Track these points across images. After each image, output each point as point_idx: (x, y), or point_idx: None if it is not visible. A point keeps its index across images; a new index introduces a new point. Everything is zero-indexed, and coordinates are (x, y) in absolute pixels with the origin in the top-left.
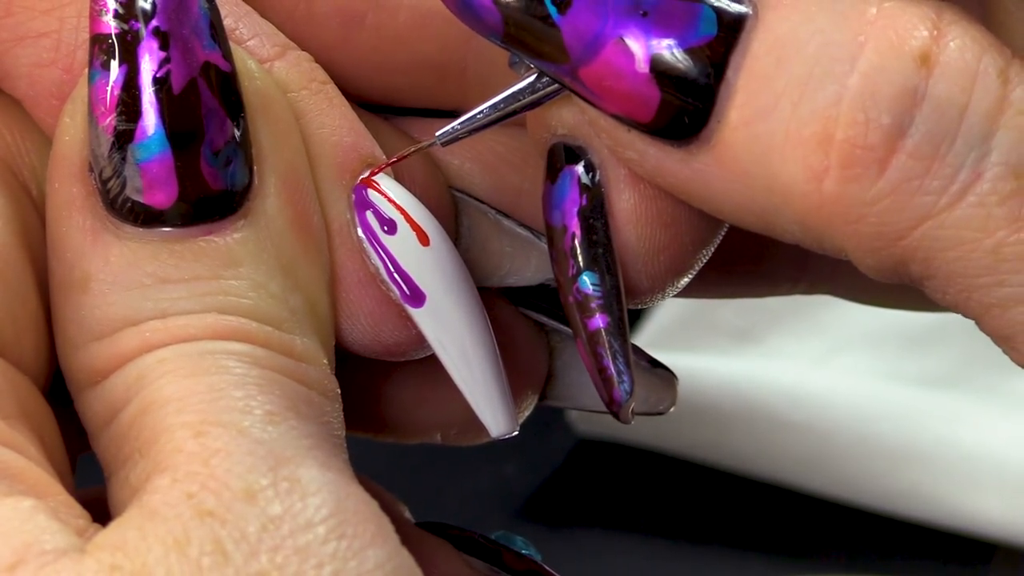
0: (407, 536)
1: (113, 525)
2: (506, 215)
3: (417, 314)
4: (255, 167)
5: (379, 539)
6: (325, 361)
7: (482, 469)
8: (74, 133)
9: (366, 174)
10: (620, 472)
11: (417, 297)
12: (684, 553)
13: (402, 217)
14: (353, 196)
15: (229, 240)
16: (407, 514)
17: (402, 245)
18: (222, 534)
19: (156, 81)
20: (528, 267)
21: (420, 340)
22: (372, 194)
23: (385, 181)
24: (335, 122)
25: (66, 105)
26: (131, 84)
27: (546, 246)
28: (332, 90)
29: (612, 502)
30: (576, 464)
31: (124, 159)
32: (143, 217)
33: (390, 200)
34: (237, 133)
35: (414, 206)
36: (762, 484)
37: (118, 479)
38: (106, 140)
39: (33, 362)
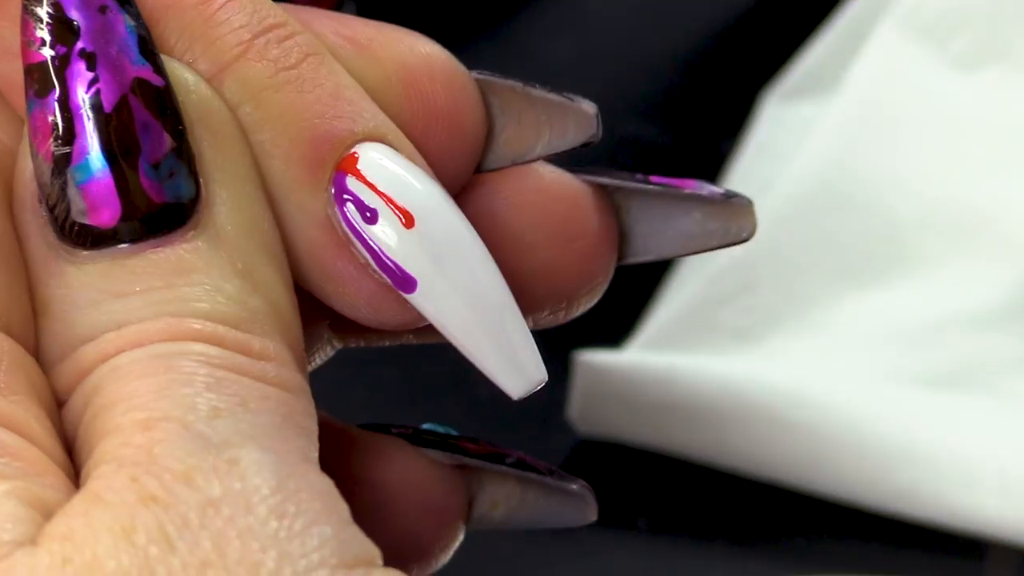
0: (354, 440)
1: (60, 513)
2: (534, 85)
3: (412, 299)
4: (200, 178)
5: (323, 516)
6: (288, 357)
7: None
8: (24, 165)
9: (357, 148)
10: (620, 472)
11: (408, 283)
12: (684, 553)
13: (383, 202)
14: (332, 188)
15: (180, 250)
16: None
17: (385, 233)
18: (164, 519)
19: (87, 102)
20: (567, 130)
21: (422, 316)
22: (351, 182)
23: (369, 161)
24: (304, 112)
25: (22, 140)
26: (63, 108)
27: (582, 106)
28: (307, 70)
29: (612, 502)
30: (576, 464)
31: (65, 183)
32: (92, 239)
33: (369, 185)
34: (177, 146)
35: (399, 182)
36: (762, 484)
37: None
38: (47, 167)
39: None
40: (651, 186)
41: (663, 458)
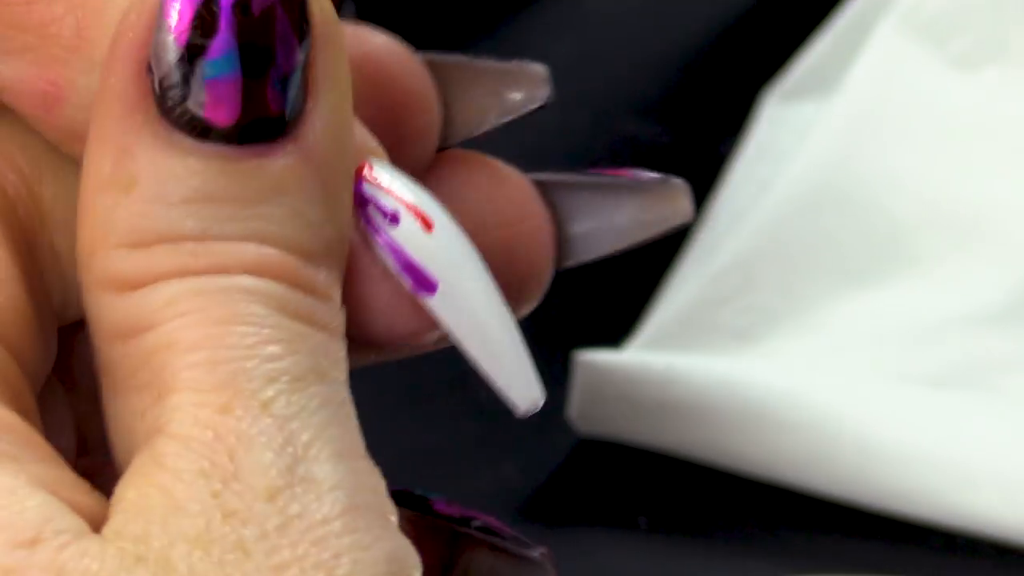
0: None
1: (132, 511)
2: (479, 56)
3: (431, 302)
4: (309, 96)
5: (387, 531)
6: (337, 294)
7: (482, 469)
8: (138, 31)
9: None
10: (620, 472)
11: (429, 285)
12: (684, 552)
13: (403, 206)
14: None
15: (278, 164)
16: None
17: (407, 235)
18: (244, 533)
19: (237, 2)
20: (517, 97)
21: (433, 325)
22: (369, 188)
23: (380, 170)
24: None
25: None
26: (211, 1)
27: (530, 69)
28: None
29: (612, 502)
30: (576, 464)
31: (192, 72)
32: (199, 131)
33: (387, 191)
34: (302, 61)
35: (413, 191)
36: (762, 484)
37: (127, 403)
38: (176, 50)
39: (26, 350)
40: (580, 177)
41: (663, 458)
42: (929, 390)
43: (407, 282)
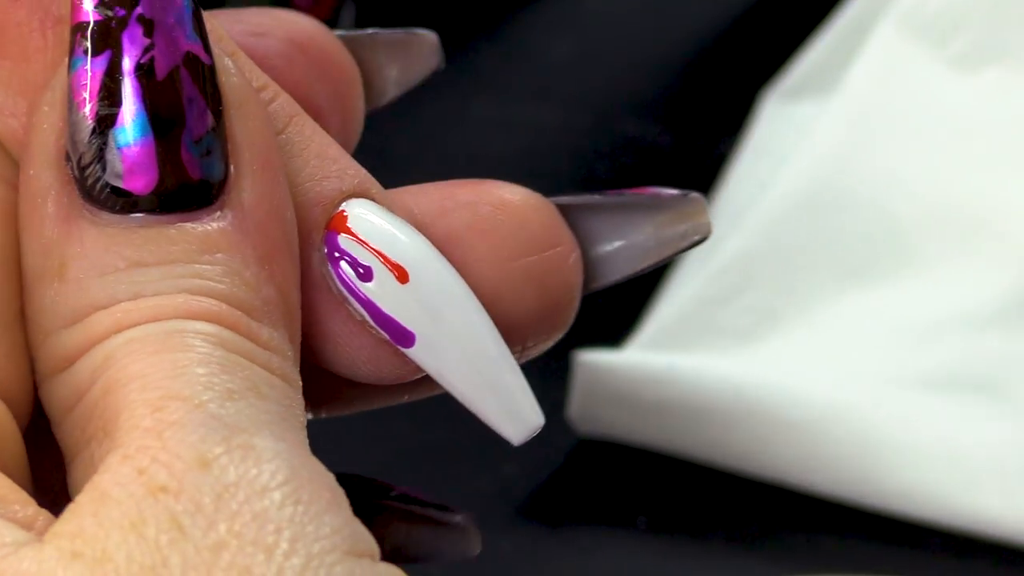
0: None
1: (68, 513)
2: (379, 28)
3: (411, 353)
4: (232, 161)
5: (333, 506)
6: (290, 354)
7: (482, 469)
8: (52, 121)
9: (344, 206)
10: (620, 472)
11: (406, 337)
12: (684, 552)
13: (378, 260)
14: (325, 248)
15: (207, 227)
16: None
17: (380, 290)
18: (177, 509)
19: (139, 67)
20: (417, 63)
21: (420, 369)
22: (344, 240)
23: (360, 215)
24: (294, 177)
25: (44, 94)
26: (114, 70)
27: (422, 36)
28: (293, 132)
29: (612, 502)
30: (576, 464)
31: (105, 144)
32: (121, 204)
33: (362, 243)
34: (216, 125)
35: (389, 238)
36: (762, 484)
37: (82, 459)
38: (87, 126)
39: (10, 381)
40: (599, 198)
41: (663, 458)
42: (929, 390)
43: (385, 335)
